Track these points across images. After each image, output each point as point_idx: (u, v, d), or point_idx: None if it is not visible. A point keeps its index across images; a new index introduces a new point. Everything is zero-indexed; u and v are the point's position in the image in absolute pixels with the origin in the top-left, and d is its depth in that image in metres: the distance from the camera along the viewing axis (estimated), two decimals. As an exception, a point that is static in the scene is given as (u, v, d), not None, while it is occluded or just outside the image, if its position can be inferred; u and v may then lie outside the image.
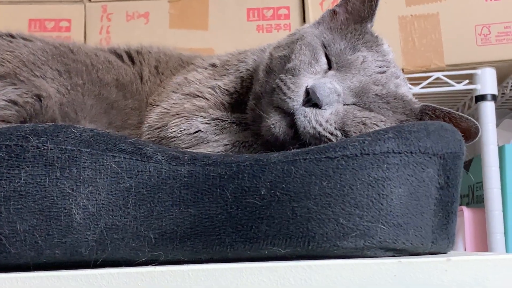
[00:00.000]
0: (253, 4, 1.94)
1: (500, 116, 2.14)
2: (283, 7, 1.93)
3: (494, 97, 1.76)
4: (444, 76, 1.77)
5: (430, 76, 1.77)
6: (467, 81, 1.78)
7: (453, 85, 1.78)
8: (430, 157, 0.74)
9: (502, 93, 1.93)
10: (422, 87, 1.78)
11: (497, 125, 1.81)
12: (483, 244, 1.77)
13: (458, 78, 1.78)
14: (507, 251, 1.71)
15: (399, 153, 0.73)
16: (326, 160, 0.73)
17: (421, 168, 0.74)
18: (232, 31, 1.92)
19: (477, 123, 0.91)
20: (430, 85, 1.79)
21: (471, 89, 1.78)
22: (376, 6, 0.99)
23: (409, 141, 0.74)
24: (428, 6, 1.80)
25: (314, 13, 1.87)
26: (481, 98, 1.76)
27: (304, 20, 1.91)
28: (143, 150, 0.78)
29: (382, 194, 0.72)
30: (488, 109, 1.75)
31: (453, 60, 1.77)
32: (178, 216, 0.75)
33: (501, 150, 1.78)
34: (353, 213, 0.71)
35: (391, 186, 0.72)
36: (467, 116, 0.92)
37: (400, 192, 0.72)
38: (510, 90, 1.90)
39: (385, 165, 0.72)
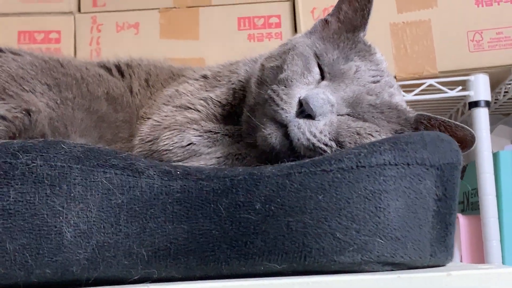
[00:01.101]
0: (244, 13, 1.93)
1: (494, 122, 2.14)
2: (274, 15, 1.92)
3: (487, 104, 1.75)
4: (437, 82, 1.76)
5: (423, 83, 1.76)
6: (460, 87, 1.77)
7: (446, 92, 1.77)
8: (427, 169, 0.73)
9: (496, 99, 1.92)
10: (415, 94, 1.77)
11: (491, 131, 1.80)
12: (479, 251, 1.76)
13: (451, 85, 1.78)
14: (503, 258, 1.70)
15: (396, 165, 0.72)
16: (321, 173, 0.72)
17: (418, 180, 0.73)
18: (223, 40, 1.91)
19: (473, 132, 0.90)
20: (423, 92, 1.78)
21: (464, 96, 1.77)
22: (368, 15, 0.98)
23: (405, 153, 0.73)
24: (419, 13, 1.79)
25: (305, 21, 1.86)
26: (474, 104, 1.75)
27: (295, 28, 1.90)
28: (135, 165, 0.77)
29: (379, 207, 0.71)
30: (482, 116, 1.74)
31: (446, 67, 1.76)
32: (171, 232, 0.73)
33: (495, 156, 1.78)
34: (350, 227, 0.70)
35: (388, 199, 0.71)
36: (462, 125, 0.91)
37: (398, 204, 0.71)
38: (504, 96, 1.89)
39: (382, 178, 0.71)
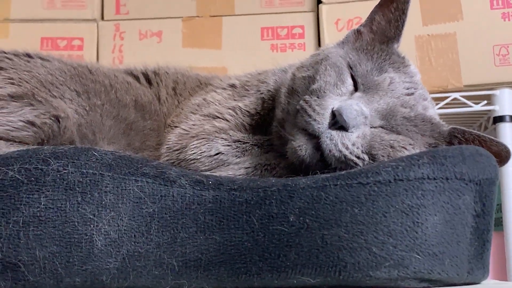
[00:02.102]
0: (267, 23, 1.93)
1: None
2: (298, 26, 1.91)
3: (512, 118, 1.73)
4: (462, 96, 1.75)
5: (448, 97, 1.75)
6: (485, 101, 1.75)
7: (470, 106, 1.76)
8: (466, 184, 0.71)
9: (520, 114, 1.90)
10: (439, 108, 1.75)
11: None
12: (501, 268, 1.73)
13: (476, 99, 1.76)
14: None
15: (435, 179, 0.70)
16: (357, 186, 0.70)
17: (457, 195, 0.71)
18: (246, 50, 1.90)
19: (508, 147, 0.88)
20: (447, 105, 1.76)
21: (489, 110, 1.75)
22: (403, 26, 0.97)
23: (444, 167, 0.71)
24: (445, 26, 1.78)
25: (329, 32, 1.85)
26: (499, 119, 1.74)
27: (319, 39, 1.89)
28: (166, 174, 0.76)
29: (417, 222, 0.69)
30: (507, 130, 1.73)
31: (471, 81, 1.75)
32: (203, 243, 0.72)
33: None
34: (386, 242, 0.68)
35: (426, 214, 0.69)
36: (497, 140, 0.89)
37: (436, 220, 0.69)
38: (528, 111, 1.86)
39: (420, 192, 0.70)
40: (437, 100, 1.75)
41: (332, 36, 1.83)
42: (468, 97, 1.75)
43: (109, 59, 1.90)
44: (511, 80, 1.73)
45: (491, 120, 1.79)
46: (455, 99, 1.75)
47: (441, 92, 1.76)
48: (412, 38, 1.78)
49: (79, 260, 0.70)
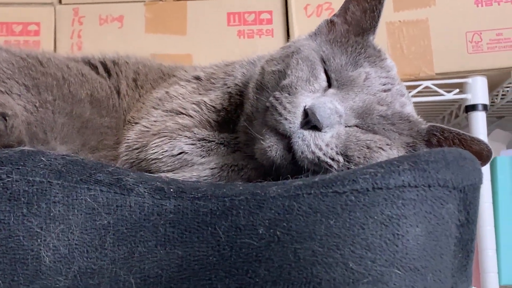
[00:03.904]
0: (234, 8, 1.85)
1: (487, 125, 2.08)
2: (266, 11, 1.84)
3: (485, 107, 1.70)
4: (434, 84, 1.70)
5: (419, 85, 1.70)
6: (457, 90, 1.71)
7: (442, 95, 1.72)
8: (450, 191, 0.66)
9: (492, 102, 1.87)
10: (411, 97, 1.70)
11: (487, 135, 1.75)
12: (474, 260, 1.71)
13: (448, 87, 1.72)
14: (499, 268, 1.64)
15: (416, 187, 0.65)
16: (333, 195, 0.65)
17: (440, 204, 0.66)
18: (212, 36, 1.83)
19: (489, 146, 0.84)
20: (419, 94, 1.72)
21: (460, 98, 1.72)
22: (379, 16, 0.91)
23: (426, 173, 0.66)
24: (417, 12, 1.73)
25: (298, 18, 1.79)
26: (471, 108, 1.70)
27: (287, 25, 1.82)
28: (123, 181, 0.70)
29: (397, 234, 0.64)
30: (479, 120, 1.69)
31: (443, 68, 1.70)
32: (163, 258, 0.67)
33: (492, 162, 1.72)
34: (364, 256, 0.63)
35: (407, 225, 0.64)
36: (478, 138, 0.85)
37: (417, 231, 0.65)
38: (502, 99, 1.84)
39: (400, 201, 0.65)
40: (409, 88, 1.69)
41: (301, 22, 1.77)
42: (440, 85, 1.71)
43: (67, 45, 1.81)
44: (484, 68, 1.69)
45: (462, 109, 1.75)
46: (427, 87, 1.71)
47: (412, 80, 1.71)
48: (383, 25, 1.73)
49: (25, 278, 0.65)
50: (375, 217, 0.64)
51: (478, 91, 1.70)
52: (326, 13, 1.75)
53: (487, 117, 1.74)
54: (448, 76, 1.71)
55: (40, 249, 0.65)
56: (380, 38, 1.65)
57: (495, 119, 2.16)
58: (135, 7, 1.86)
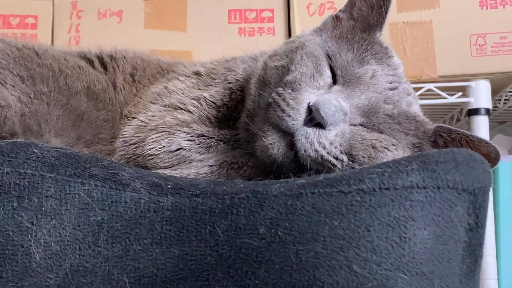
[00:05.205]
0: (235, 5, 1.83)
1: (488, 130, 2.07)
2: (267, 9, 1.82)
3: (488, 111, 1.67)
4: (436, 87, 1.68)
5: (421, 88, 1.68)
6: (460, 93, 1.69)
7: (445, 98, 1.69)
8: (459, 193, 0.64)
9: (494, 107, 1.85)
10: (413, 99, 1.68)
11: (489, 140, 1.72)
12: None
13: (451, 90, 1.70)
14: (498, 275, 1.62)
15: (425, 188, 0.63)
16: (338, 195, 0.63)
17: (449, 206, 0.63)
18: (212, 33, 1.81)
19: (497, 148, 0.82)
20: (421, 97, 1.69)
21: (463, 102, 1.69)
22: (386, 12, 0.90)
23: (435, 174, 0.63)
24: (420, 13, 1.70)
25: (300, 16, 1.76)
26: (474, 112, 1.68)
27: (289, 24, 1.80)
28: (118, 176, 0.68)
29: (404, 237, 0.61)
30: (482, 124, 1.67)
31: (446, 71, 1.68)
32: (159, 256, 0.65)
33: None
34: (369, 259, 0.61)
35: (414, 228, 0.62)
36: (486, 140, 0.83)
37: (425, 234, 0.62)
38: (504, 103, 1.82)
39: (408, 203, 0.62)
40: (411, 91, 1.68)
41: (303, 21, 1.75)
42: (442, 88, 1.69)
43: (65, 39, 1.78)
44: (487, 71, 1.66)
45: (464, 112, 1.73)
46: (429, 90, 1.69)
47: (415, 82, 1.68)
48: (386, 26, 1.68)
49: (14, 275, 0.63)
50: (382, 219, 0.61)
51: (481, 95, 1.67)
52: (328, 12, 1.72)
53: (488, 122, 1.72)
54: (451, 79, 1.69)
55: (31, 245, 0.63)
56: (382, 38, 1.65)
57: (497, 124, 2.14)
58: (134, 2, 1.83)
